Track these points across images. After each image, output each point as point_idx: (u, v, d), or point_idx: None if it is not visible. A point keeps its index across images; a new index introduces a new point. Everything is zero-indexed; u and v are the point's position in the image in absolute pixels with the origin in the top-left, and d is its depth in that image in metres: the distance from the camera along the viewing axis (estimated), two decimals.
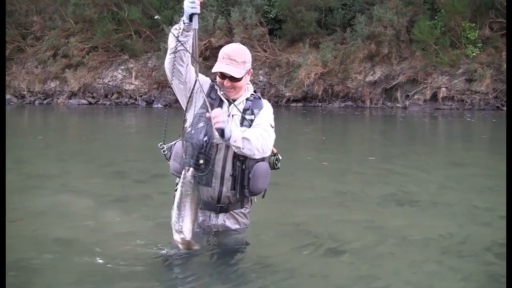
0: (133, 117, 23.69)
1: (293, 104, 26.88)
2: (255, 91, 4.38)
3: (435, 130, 18.29)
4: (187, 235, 3.76)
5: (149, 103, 28.34)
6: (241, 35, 25.66)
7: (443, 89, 24.91)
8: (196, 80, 4.01)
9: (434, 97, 25.21)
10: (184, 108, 4.15)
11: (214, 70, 4.12)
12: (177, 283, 4.01)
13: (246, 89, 4.30)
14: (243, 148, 3.90)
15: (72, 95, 29.82)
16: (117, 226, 5.37)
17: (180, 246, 3.83)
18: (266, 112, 4.27)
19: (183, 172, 3.82)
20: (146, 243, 4.67)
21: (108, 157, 10.50)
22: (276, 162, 4.37)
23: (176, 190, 3.87)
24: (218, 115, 3.77)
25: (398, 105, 25.86)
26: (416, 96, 25.53)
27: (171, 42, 3.97)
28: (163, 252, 4.42)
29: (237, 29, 26.05)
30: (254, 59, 25.62)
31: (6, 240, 3.98)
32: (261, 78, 26.88)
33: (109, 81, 29.46)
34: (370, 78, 26.14)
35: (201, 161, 3.96)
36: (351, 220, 5.71)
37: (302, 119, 21.80)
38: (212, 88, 4.19)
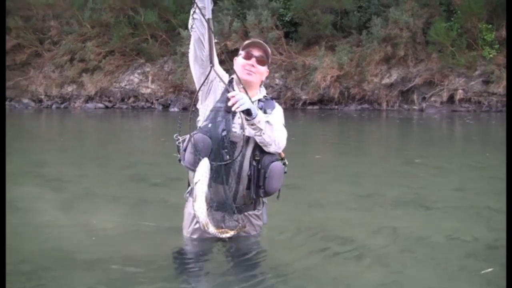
0: (149, 120, 23.76)
1: (309, 107, 26.85)
2: (266, 93, 4.39)
3: (452, 132, 18.21)
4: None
5: (166, 106, 28.41)
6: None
7: (460, 91, 24.77)
8: (210, 68, 3.98)
9: (451, 99, 25.08)
10: (200, 100, 4.18)
11: (246, 42, 4.24)
12: (191, 287, 4.01)
13: (259, 91, 4.31)
14: (264, 133, 3.91)
15: (89, 99, 29.93)
16: (133, 229, 5.39)
17: (220, 235, 3.89)
18: (278, 112, 4.28)
19: (204, 164, 3.78)
20: (161, 246, 4.68)
21: (124, 161, 10.53)
22: (284, 166, 4.32)
23: (196, 183, 3.77)
24: (240, 96, 3.76)
25: (414, 107, 25.75)
26: (432, 98, 25.42)
27: (189, 23, 4.00)
28: (178, 255, 4.41)
29: (252, 32, 26.05)
30: (270, 62, 25.65)
31: (18, 243, 4.00)
32: (277, 81, 26.88)
33: (125, 85, 29.55)
34: (386, 80, 26.05)
35: (228, 157, 3.97)
36: (368, 223, 5.69)
37: (318, 122, 21.78)
38: (229, 83, 4.15)
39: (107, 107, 29.54)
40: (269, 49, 4.30)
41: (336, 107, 26.70)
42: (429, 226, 5.60)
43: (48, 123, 23.24)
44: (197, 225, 4.13)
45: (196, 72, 4.10)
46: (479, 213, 6.17)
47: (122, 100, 29.80)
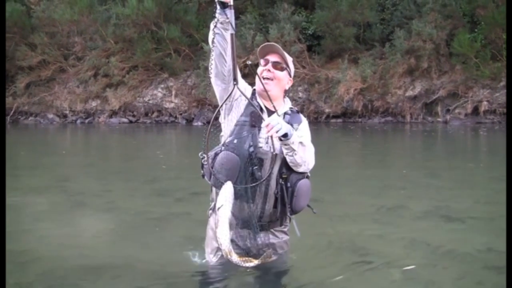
0: (173, 135, 23.84)
1: (333, 120, 26.83)
2: (292, 106, 4.22)
3: (477, 144, 18.05)
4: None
5: (189, 121, 28.50)
6: None
7: (485, 102, 24.63)
8: (234, 86, 3.80)
9: (475, 111, 24.95)
10: (222, 115, 4.03)
11: (260, 49, 4.05)
12: None
13: (284, 102, 4.16)
14: (296, 154, 3.77)
15: (113, 114, 30.15)
16: (157, 244, 5.38)
17: (243, 264, 3.69)
18: (306, 128, 4.10)
19: (227, 188, 3.66)
20: (185, 263, 4.66)
21: (149, 175, 10.54)
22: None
23: (219, 208, 3.62)
24: (275, 122, 3.59)
25: (439, 119, 25.62)
26: (457, 110, 25.28)
27: (209, 37, 3.84)
28: (202, 273, 4.37)
29: None
30: (293, 76, 25.69)
31: (41, 255, 4.01)
32: (300, 94, 26.89)
33: (149, 100, 29.72)
34: (410, 92, 25.96)
35: (259, 173, 3.84)
36: (395, 236, 5.64)
37: (342, 135, 21.71)
38: (253, 95, 4.03)
39: (131, 121, 29.70)
40: (286, 54, 4.13)
41: (360, 120, 26.66)
42: (458, 239, 5.54)
43: (73, 138, 23.37)
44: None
45: (218, 87, 3.96)
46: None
47: (146, 114, 29.98)
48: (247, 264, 3.70)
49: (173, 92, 29.14)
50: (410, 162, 12.99)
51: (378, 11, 27.49)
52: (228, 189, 3.66)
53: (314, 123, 26.11)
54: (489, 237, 5.57)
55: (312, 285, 4.18)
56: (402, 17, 26.68)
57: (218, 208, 3.63)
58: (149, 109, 29.93)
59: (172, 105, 29.30)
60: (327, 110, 26.81)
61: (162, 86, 29.77)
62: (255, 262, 3.72)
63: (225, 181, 3.74)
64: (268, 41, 22.64)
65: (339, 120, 26.93)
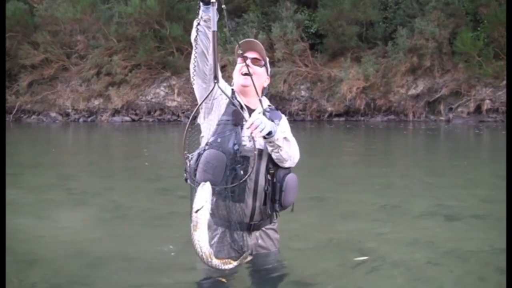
0: (175, 133, 23.81)
1: (335, 119, 26.81)
2: (270, 104, 4.17)
3: (480, 143, 18.02)
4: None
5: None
6: (282, 51, 25.75)
7: (487, 101, 24.60)
8: (214, 84, 3.72)
9: (478, 109, 24.93)
10: (202, 116, 4.02)
11: (240, 42, 3.97)
12: None
13: (263, 99, 4.05)
14: (281, 150, 3.76)
15: (116, 112, 30.16)
16: (160, 242, 5.38)
17: (223, 266, 3.66)
18: (286, 123, 4.08)
19: (206, 188, 3.55)
20: (188, 261, 4.65)
21: (151, 174, 10.54)
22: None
23: (198, 210, 3.51)
24: (259, 121, 3.56)
25: (441, 118, 25.62)
26: (459, 109, 25.27)
27: (192, 35, 3.83)
28: (202, 272, 4.36)
29: (278, 44, 26.11)
30: (296, 74, 25.71)
31: (44, 255, 4.01)
32: (302, 93, 26.85)
33: (151, 98, 29.74)
34: (412, 91, 25.96)
35: (242, 172, 3.77)
36: (395, 235, 5.63)
37: (344, 133, 21.68)
38: (232, 94, 3.97)
39: (133, 120, 29.72)
40: (263, 50, 4.09)
41: (362, 118, 26.65)
42: (460, 238, 5.53)
43: (76, 137, 23.38)
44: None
45: (198, 86, 3.94)
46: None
47: (148, 113, 30.00)
48: (227, 266, 3.67)
49: (176, 91, 29.14)
50: (412, 161, 12.97)
51: (381, 10, 27.50)
52: (207, 189, 3.55)
53: (316, 121, 26.14)
54: (491, 236, 5.56)
55: (312, 283, 4.17)
56: (405, 16, 26.68)
57: (197, 210, 3.50)
58: (152, 108, 29.96)
59: (174, 103, 29.32)
60: (329, 109, 26.78)
61: (165, 84, 29.79)
62: (234, 263, 3.72)
63: (206, 180, 3.65)
64: (270, 40, 22.67)
65: (342, 118, 26.92)
